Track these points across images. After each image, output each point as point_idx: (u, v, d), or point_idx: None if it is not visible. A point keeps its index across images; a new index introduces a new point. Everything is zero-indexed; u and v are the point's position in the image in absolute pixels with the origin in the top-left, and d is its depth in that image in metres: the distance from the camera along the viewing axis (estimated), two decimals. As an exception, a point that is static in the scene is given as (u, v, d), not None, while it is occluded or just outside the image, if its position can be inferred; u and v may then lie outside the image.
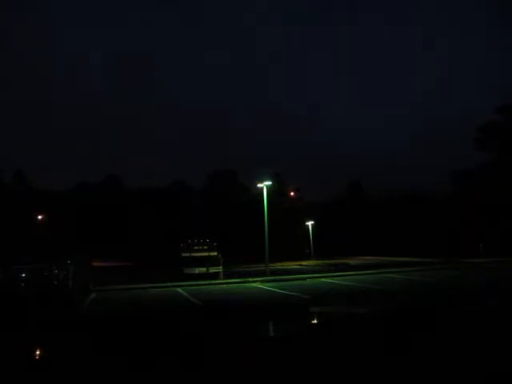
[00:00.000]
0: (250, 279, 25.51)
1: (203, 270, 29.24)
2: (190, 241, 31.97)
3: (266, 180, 31.05)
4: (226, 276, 28.27)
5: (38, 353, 2.44)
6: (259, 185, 31.72)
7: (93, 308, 17.11)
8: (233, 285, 24.10)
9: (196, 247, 31.30)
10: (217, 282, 25.81)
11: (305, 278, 25.61)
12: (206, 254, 30.56)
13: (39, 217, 49.46)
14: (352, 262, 39.32)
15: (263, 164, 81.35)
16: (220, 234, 43.10)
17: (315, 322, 3.03)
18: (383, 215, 57.98)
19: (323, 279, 24.90)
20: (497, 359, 1.92)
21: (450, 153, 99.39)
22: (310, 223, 54.68)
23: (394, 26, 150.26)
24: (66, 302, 17.52)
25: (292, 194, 64.55)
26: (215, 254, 30.84)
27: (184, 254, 30.95)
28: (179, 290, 22.00)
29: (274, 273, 28.44)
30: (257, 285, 23.60)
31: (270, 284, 23.40)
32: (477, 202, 44.97)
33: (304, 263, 43.39)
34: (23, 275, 20.35)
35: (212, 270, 29.38)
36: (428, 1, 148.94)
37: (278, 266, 37.47)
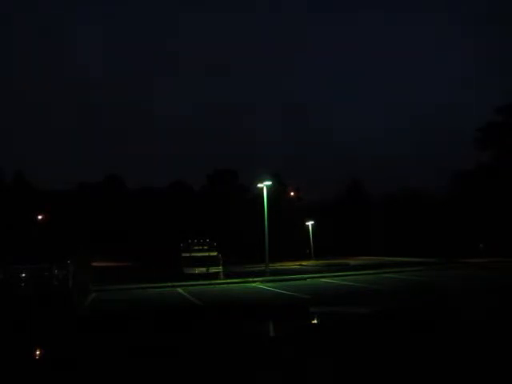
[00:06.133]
0: (250, 279, 25.48)
1: (203, 270, 29.22)
2: (190, 241, 31.95)
3: (266, 180, 31.03)
4: (226, 276, 28.23)
5: (37, 353, 2.44)
6: (259, 185, 31.68)
7: (93, 308, 17.12)
8: (233, 285, 24.09)
9: (196, 247, 31.28)
10: (217, 282, 25.77)
11: (305, 278, 25.58)
12: (206, 253, 30.54)
13: (39, 217, 49.41)
14: (352, 262, 39.32)
15: (263, 164, 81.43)
16: (220, 234, 43.10)
17: (315, 322, 3.03)
18: (383, 215, 57.98)
19: (323, 279, 24.88)
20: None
21: (450, 153, 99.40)
22: (309, 223, 54.60)
23: (395, 25, 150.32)
24: (65, 302, 17.50)
25: (292, 194, 64.58)
26: (215, 253, 30.80)
27: (184, 254, 30.92)
28: (179, 290, 21.99)
29: (274, 273, 28.39)
30: (257, 285, 23.59)
31: (270, 284, 23.39)
32: (477, 202, 44.96)
33: (304, 263, 43.36)
34: (23, 275, 20.28)
35: (212, 269, 29.36)
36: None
37: (278, 266, 37.43)
